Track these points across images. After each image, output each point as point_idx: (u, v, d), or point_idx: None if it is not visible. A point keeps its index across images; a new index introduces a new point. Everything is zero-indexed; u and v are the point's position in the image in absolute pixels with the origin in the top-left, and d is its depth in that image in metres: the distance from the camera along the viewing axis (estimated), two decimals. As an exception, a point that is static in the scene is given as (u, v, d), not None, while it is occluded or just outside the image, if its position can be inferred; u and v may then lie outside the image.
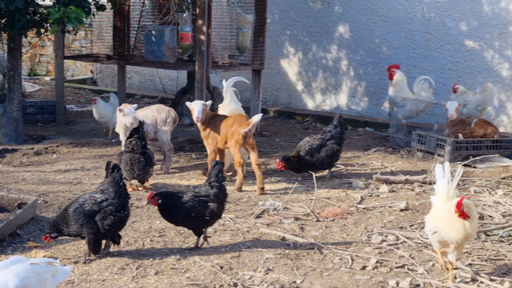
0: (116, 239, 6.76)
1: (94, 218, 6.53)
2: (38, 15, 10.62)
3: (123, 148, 9.32)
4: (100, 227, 6.52)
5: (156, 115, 9.81)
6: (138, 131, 8.84)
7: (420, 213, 8.09)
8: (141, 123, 8.96)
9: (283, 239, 7.26)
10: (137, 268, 6.45)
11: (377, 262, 6.66)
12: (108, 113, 11.61)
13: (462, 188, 8.96)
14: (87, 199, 6.60)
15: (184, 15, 11.08)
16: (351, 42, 13.71)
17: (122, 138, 9.73)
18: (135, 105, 9.72)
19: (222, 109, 9.96)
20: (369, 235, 7.42)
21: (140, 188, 8.96)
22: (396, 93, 11.70)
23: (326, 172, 9.66)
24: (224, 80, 10.14)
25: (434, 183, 9.01)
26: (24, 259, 5.22)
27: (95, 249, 6.63)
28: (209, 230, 7.47)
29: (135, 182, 8.97)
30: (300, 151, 9.43)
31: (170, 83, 15.79)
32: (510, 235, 7.32)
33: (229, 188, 9.09)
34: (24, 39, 11.90)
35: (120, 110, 9.59)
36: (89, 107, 14.49)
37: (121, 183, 6.67)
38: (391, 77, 11.84)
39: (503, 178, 9.38)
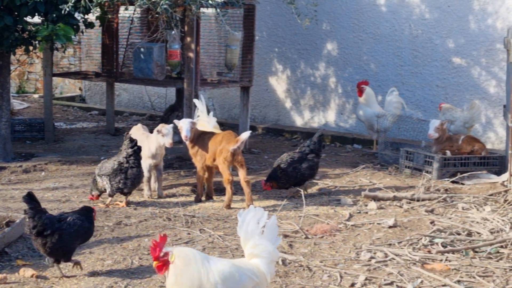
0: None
1: None
2: (27, 32, 10.63)
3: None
4: None
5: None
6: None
7: (409, 230, 8.11)
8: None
9: (272, 256, 7.24)
10: (125, 286, 6.43)
11: (366, 279, 6.66)
12: None
13: (450, 205, 8.99)
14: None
15: (173, 32, 11.10)
16: (339, 59, 13.77)
17: (146, 166, 9.30)
18: (172, 125, 9.41)
19: (207, 124, 9.97)
20: (357, 252, 7.42)
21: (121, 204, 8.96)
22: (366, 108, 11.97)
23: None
24: (197, 101, 10.35)
25: (423, 199, 9.16)
26: None
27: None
28: (199, 247, 7.47)
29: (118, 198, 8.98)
30: (281, 164, 9.41)
31: (158, 100, 15.80)
32: (498, 252, 7.34)
33: (218, 205, 9.13)
34: (12, 57, 11.90)
35: (158, 131, 9.17)
36: (78, 124, 14.49)
37: None
38: (361, 93, 12.06)
39: (491, 195, 9.40)
